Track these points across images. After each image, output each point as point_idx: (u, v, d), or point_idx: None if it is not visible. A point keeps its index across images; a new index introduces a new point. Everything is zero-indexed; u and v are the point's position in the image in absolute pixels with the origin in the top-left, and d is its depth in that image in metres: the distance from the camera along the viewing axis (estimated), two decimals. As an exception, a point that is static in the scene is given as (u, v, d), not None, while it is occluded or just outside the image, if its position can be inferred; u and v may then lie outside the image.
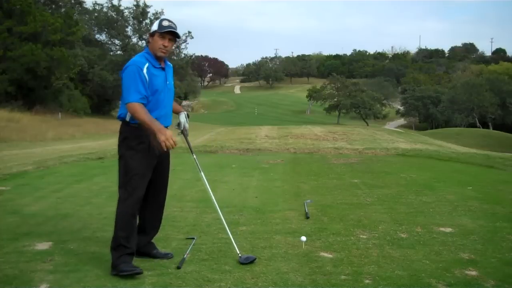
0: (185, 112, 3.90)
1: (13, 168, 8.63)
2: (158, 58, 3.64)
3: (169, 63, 3.81)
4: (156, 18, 54.18)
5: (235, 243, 3.84)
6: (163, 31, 3.58)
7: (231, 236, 3.87)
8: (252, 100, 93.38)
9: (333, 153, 11.56)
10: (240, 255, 3.78)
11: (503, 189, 6.89)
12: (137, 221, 3.75)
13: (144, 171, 3.61)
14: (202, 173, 3.92)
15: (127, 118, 3.58)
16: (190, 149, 3.92)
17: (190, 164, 9.34)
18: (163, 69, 3.67)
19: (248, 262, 3.70)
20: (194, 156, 3.91)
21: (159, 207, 3.94)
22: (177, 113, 3.89)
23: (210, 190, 3.93)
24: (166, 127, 3.60)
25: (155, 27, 3.61)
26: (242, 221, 4.98)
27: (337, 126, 34.92)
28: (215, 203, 3.94)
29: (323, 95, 70.61)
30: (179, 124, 3.85)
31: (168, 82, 3.71)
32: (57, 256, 3.87)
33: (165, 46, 3.61)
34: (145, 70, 3.50)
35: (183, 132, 3.81)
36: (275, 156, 10.99)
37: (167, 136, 3.39)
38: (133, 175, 3.56)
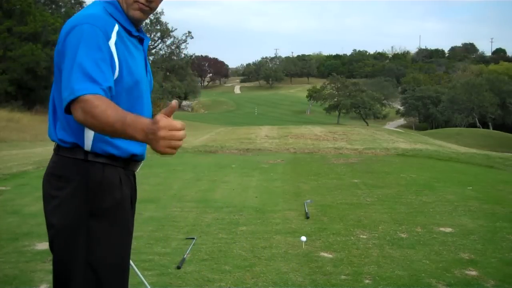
0: None
1: (13, 168, 8.63)
2: (134, 21, 1.78)
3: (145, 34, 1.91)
4: (156, 18, 54.16)
5: None
6: None
7: None
8: (252, 100, 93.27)
9: (333, 153, 11.57)
10: None
11: (503, 189, 6.90)
12: None
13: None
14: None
15: (87, 146, 1.69)
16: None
17: (190, 164, 9.36)
18: (141, 41, 1.85)
19: None
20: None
21: None
22: None
23: None
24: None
25: None
26: (242, 221, 4.98)
27: (337, 126, 34.90)
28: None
29: (323, 95, 70.52)
30: None
31: (147, 68, 1.91)
32: (57, 256, 3.86)
33: (150, 2, 1.75)
34: (113, 39, 1.64)
35: None
36: (275, 156, 11.00)
37: (164, 134, 1.39)
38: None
